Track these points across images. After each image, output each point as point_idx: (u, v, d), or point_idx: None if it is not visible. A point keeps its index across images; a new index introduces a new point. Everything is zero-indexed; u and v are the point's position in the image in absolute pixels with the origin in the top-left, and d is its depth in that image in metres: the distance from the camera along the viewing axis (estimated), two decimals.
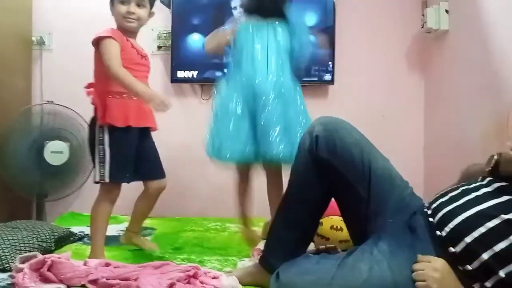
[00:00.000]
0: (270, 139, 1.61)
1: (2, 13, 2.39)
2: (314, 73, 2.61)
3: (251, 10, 1.83)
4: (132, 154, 1.63)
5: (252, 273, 1.37)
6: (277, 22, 1.78)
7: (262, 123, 1.64)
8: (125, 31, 1.63)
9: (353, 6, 2.69)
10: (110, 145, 1.56)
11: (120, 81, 1.52)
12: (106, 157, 1.55)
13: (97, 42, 1.57)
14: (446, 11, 2.36)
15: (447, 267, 1.04)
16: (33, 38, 2.70)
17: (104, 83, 1.57)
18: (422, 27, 2.49)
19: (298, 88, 1.80)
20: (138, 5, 1.63)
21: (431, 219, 1.11)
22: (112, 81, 1.55)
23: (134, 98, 1.56)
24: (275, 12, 1.78)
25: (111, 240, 1.94)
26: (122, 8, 1.61)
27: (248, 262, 1.61)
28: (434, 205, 1.14)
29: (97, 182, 1.60)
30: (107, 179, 1.56)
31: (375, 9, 2.71)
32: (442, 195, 1.15)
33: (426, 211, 1.16)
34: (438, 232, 1.08)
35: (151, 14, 1.70)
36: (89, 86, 1.63)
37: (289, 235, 1.31)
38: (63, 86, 2.66)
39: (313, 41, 1.83)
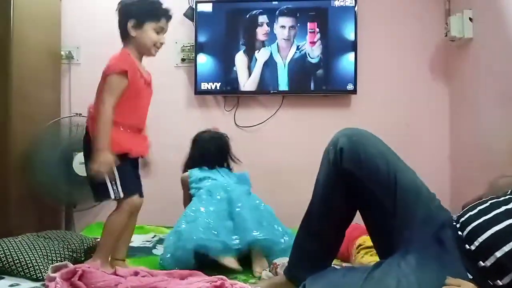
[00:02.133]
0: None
1: (33, 29, 2.48)
2: (336, 83, 2.62)
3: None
4: (132, 169, 1.68)
5: (277, 285, 1.37)
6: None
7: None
8: (140, 55, 1.65)
9: (375, 15, 2.69)
10: (118, 169, 1.57)
11: (99, 121, 1.53)
12: (116, 178, 1.58)
13: (109, 69, 1.56)
14: (470, 19, 2.34)
15: None
16: (62, 53, 2.79)
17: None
18: (446, 35, 2.47)
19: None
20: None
21: (460, 233, 1.10)
22: (116, 111, 1.56)
23: (131, 131, 1.63)
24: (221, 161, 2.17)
25: (137, 251, 1.98)
26: (156, 37, 1.62)
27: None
28: (463, 219, 1.12)
29: (114, 199, 1.62)
30: (121, 195, 1.59)
31: (397, 18, 2.70)
32: (471, 208, 1.13)
33: (455, 224, 1.14)
34: (467, 246, 1.06)
35: None
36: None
37: (313, 247, 1.31)
38: (90, 98, 2.73)
39: None
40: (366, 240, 1.67)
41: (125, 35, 1.65)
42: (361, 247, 1.67)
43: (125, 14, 1.63)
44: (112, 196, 1.59)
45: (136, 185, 1.69)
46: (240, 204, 1.82)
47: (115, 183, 1.58)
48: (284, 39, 2.63)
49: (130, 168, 1.66)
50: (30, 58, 2.45)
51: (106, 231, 1.62)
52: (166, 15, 1.65)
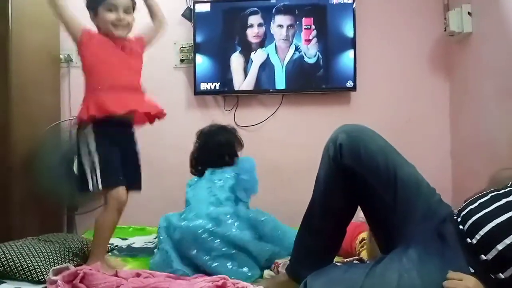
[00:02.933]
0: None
1: (31, 32, 2.48)
2: (336, 80, 2.61)
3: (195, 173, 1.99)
4: (119, 157, 1.63)
5: (280, 283, 1.37)
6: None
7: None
8: (114, 38, 1.66)
9: (374, 11, 2.68)
10: (97, 150, 1.56)
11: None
12: (96, 165, 1.55)
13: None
14: (469, 13, 2.33)
15: (480, 286, 1.01)
16: (61, 56, 2.79)
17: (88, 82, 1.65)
18: (445, 30, 2.46)
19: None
20: (126, 12, 1.65)
21: (461, 227, 1.10)
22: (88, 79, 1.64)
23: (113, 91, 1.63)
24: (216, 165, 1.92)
25: (139, 252, 1.98)
26: (111, 16, 1.63)
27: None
28: (464, 212, 1.12)
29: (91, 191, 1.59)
30: (99, 186, 1.56)
31: (396, 14, 2.69)
32: (471, 202, 1.13)
33: (456, 218, 1.14)
34: (468, 240, 1.06)
35: (133, 20, 1.73)
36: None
37: (314, 243, 1.31)
38: None
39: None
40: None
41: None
42: (364, 241, 1.67)
43: (87, 8, 1.71)
44: (91, 188, 1.56)
45: (120, 175, 1.61)
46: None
47: (94, 171, 1.55)
48: (282, 38, 2.63)
49: (114, 152, 1.62)
50: (29, 61, 2.45)
51: (97, 232, 1.62)
52: None
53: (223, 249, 1.58)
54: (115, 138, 1.63)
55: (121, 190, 1.60)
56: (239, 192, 1.78)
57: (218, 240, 1.59)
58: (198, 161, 1.97)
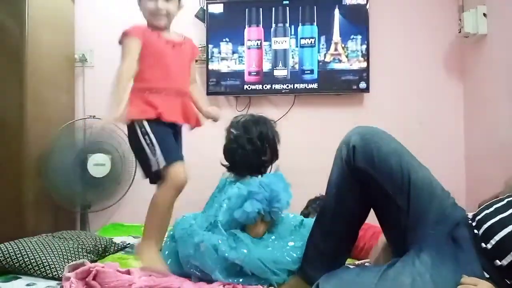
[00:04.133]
0: None
1: (47, 32, 2.51)
2: (349, 81, 2.60)
3: (226, 167, 1.72)
4: (172, 137, 1.61)
5: (291, 285, 1.37)
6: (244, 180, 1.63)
7: None
8: (155, 27, 1.60)
9: (386, 12, 2.67)
10: (153, 131, 1.52)
11: (115, 80, 1.50)
12: (154, 144, 1.51)
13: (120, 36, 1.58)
14: (484, 14, 2.31)
15: None
16: (76, 56, 2.82)
17: (138, 80, 1.57)
18: (459, 31, 2.44)
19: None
20: (166, 0, 1.58)
21: (475, 231, 1.08)
22: (144, 78, 1.56)
23: (165, 94, 1.57)
24: (247, 170, 1.65)
25: None
26: (150, 4, 1.57)
27: None
28: (479, 217, 1.11)
29: (155, 173, 1.53)
30: (162, 164, 1.51)
31: (410, 15, 2.67)
32: (487, 207, 1.12)
33: (470, 222, 1.12)
34: (483, 245, 1.05)
35: (180, 7, 1.66)
36: None
37: (327, 246, 1.30)
38: (104, 101, 2.76)
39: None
40: None
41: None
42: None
43: None
44: (156, 167, 1.51)
45: (179, 152, 1.61)
46: None
47: (154, 150, 1.51)
48: (295, 37, 2.63)
49: (168, 134, 1.58)
50: (44, 61, 2.48)
51: (153, 211, 1.54)
52: None
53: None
54: (166, 124, 1.60)
55: (181, 166, 1.55)
56: (237, 211, 1.50)
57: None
58: (226, 159, 1.72)
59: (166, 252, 1.57)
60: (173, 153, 1.55)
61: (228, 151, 1.66)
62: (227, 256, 1.41)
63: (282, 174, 1.64)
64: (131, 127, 1.56)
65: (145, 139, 1.52)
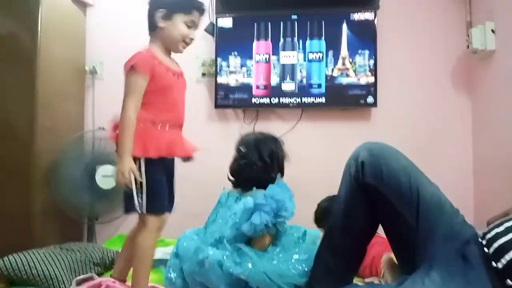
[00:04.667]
0: None
1: (59, 45, 2.55)
2: (356, 96, 2.60)
3: (233, 183, 1.75)
4: (165, 182, 1.52)
5: None
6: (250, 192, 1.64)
7: None
8: (168, 51, 1.53)
9: (394, 27, 2.68)
10: (146, 173, 1.43)
11: (121, 123, 1.41)
12: (143, 188, 1.43)
13: (130, 67, 1.44)
14: (492, 31, 2.31)
15: None
16: (86, 68, 2.86)
17: (143, 110, 1.45)
18: (468, 47, 2.44)
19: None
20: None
21: (486, 249, 1.08)
22: (149, 110, 1.45)
23: (169, 126, 1.49)
24: (254, 186, 1.65)
25: (158, 263, 1.98)
26: (186, 31, 1.49)
27: None
28: (489, 235, 1.10)
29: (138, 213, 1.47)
30: (144, 210, 1.43)
31: (418, 30, 2.68)
32: (497, 225, 1.11)
33: (481, 241, 1.12)
34: (494, 264, 1.04)
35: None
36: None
37: (335, 262, 1.30)
38: (113, 112, 2.79)
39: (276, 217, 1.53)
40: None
41: (153, 27, 1.52)
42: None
43: (155, 4, 1.51)
44: (137, 208, 1.44)
45: (166, 201, 1.52)
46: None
47: (141, 195, 1.43)
48: (303, 51, 2.64)
49: (162, 177, 1.50)
50: (55, 73, 2.52)
51: (138, 258, 1.45)
52: (199, 8, 1.52)
53: None
54: (164, 163, 1.52)
55: (160, 219, 1.50)
56: (244, 224, 1.51)
57: None
58: (233, 175, 1.75)
59: (171, 269, 1.57)
60: (157, 204, 1.47)
61: (238, 167, 1.68)
62: (231, 271, 1.41)
63: (285, 183, 1.64)
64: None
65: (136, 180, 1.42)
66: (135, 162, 1.42)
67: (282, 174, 1.72)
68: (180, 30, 1.48)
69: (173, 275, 1.55)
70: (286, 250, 1.55)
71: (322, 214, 2.10)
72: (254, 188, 1.63)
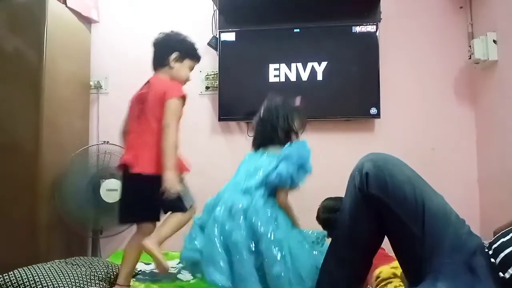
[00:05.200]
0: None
1: (64, 60, 2.58)
2: (359, 108, 2.61)
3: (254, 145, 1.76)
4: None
5: None
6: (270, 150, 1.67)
7: None
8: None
9: (397, 39, 2.70)
10: (155, 192, 1.61)
11: (168, 144, 1.62)
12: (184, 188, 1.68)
13: (171, 94, 1.66)
14: (494, 41, 2.33)
15: None
16: (91, 82, 2.89)
17: (156, 134, 1.66)
18: (470, 58, 2.46)
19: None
20: None
21: (492, 260, 1.07)
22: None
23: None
24: (271, 142, 1.68)
25: (163, 277, 1.98)
26: (188, 74, 1.81)
27: None
28: (495, 245, 1.09)
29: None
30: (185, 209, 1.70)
31: (420, 41, 2.70)
32: (503, 234, 1.10)
33: (487, 251, 1.11)
34: (501, 274, 1.03)
35: None
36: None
37: (341, 273, 1.29)
38: (118, 126, 2.81)
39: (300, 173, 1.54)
40: (382, 270, 1.63)
41: (161, 64, 1.78)
42: (379, 279, 1.62)
43: (168, 46, 1.79)
44: (187, 207, 1.69)
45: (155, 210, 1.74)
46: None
47: (184, 196, 1.68)
48: (305, 64, 2.66)
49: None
50: (61, 88, 2.55)
51: (169, 223, 1.66)
52: (199, 58, 1.86)
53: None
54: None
55: (152, 226, 1.74)
56: (271, 174, 1.51)
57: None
58: (255, 132, 1.76)
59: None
60: (151, 213, 1.72)
61: (258, 126, 1.72)
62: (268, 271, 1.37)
63: (305, 141, 1.66)
64: (145, 178, 1.63)
65: (153, 194, 1.60)
66: (149, 179, 1.63)
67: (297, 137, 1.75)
68: (187, 72, 1.81)
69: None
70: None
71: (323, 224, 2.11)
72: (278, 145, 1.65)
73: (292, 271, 1.37)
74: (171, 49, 1.77)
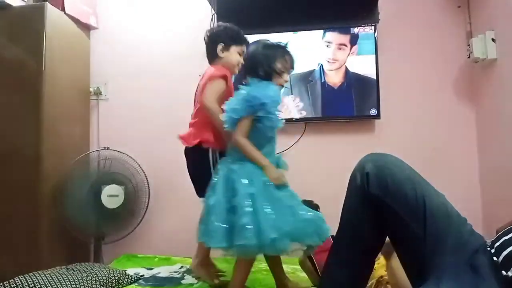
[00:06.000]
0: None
1: (64, 67, 2.59)
2: (359, 108, 2.61)
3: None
4: None
5: None
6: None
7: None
8: (230, 72, 1.92)
9: (395, 39, 2.70)
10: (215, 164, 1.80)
11: (212, 117, 1.78)
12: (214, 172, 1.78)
13: (209, 79, 1.82)
14: (493, 40, 2.32)
15: None
16: (91, 89, 2.90)
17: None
18: (469, 57, 2.46)
19: None
20: None
21: (495, 258, 1.06)
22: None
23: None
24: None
25: (166, 282, 1.98)
26: (239, 58, 1.92)
27: None
28: (497, 244, 1.08)
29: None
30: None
31: (419, 41, 2.69)
32: (505, 233, 1.09)
33: (489, 249, 1.10)
34: (503, 272, 1.02)
35: None
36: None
37: (343, 275, 1.28)
38: (118, 132, 2.82)
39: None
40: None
41: (213, 56, 1.94)
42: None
43: (214, 39, 1.93)
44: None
45: None
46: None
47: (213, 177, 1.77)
48: (305, 66, 2.66)
49: None
50: (61, 95, 2.55)
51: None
52: (246, 41, 1.95)
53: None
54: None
55: None
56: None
57: None
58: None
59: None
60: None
61: (246, 59, 1.87)
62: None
63: (270, 83, 1.77)
64: (204, 153, 1.83)
65: (214, 167, 1.80)
66: (210, 154, 1.85)
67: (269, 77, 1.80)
68: (236, 57, 1.92)
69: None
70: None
71: None
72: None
73: (262, 223, 1.49)
74: (216, 41, 1.92)
